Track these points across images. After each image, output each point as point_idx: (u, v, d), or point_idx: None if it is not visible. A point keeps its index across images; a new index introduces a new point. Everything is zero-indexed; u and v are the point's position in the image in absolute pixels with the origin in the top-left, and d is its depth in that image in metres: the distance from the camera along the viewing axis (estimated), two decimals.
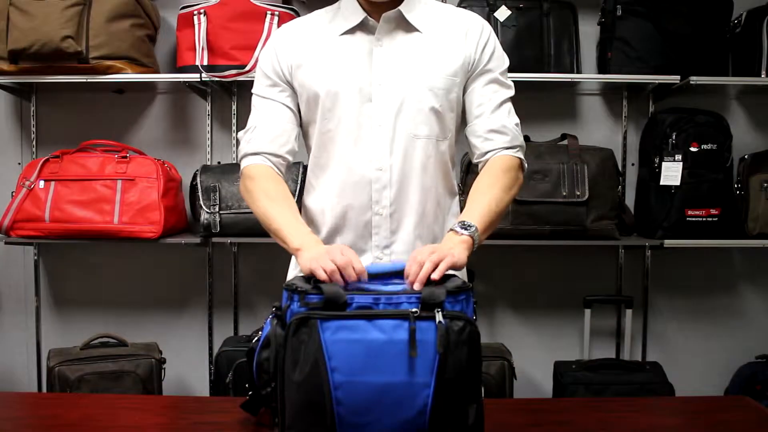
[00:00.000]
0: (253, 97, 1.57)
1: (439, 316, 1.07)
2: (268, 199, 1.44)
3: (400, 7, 1.47)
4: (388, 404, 1.07)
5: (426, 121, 1.47)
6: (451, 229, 1.35)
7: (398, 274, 1.16)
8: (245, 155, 1.53)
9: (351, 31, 1.49)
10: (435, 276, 1.15)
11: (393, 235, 1.49)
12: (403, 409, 1.07)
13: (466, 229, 1.33)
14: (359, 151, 1.47)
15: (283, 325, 1.11)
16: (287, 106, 1.53)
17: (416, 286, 1.14)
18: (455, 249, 1.26)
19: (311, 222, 1.56)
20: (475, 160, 1.53)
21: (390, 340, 1.07)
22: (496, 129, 1.48)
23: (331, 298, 1.08)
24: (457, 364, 1.07)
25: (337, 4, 1.56)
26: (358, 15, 1.48)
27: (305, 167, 2.52)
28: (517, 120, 1.52)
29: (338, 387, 1.06)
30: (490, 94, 1.50)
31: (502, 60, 1.54)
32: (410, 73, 1.47)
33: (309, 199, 1.58)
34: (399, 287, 1.14)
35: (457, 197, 1.63)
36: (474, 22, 1.53)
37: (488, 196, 1.42)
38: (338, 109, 1.47)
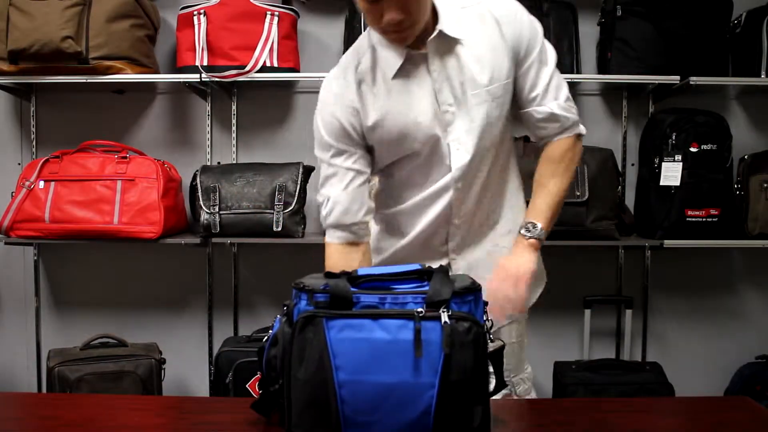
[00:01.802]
0: (320, 161, 1.57)
1: (444, 317, 1.07)
2: None
3: (438, 27, 1.46)
4: (392, 404, 1.07)
5: (495, 131, 1.55)
6: (520, 233, 1.52)
7: (417, 274, 1.15)
8: (327, 227, 1.59)
9: (401, 69, 1.49)
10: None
11: (468, 239, 1.62)
12: (408, 410, 1.07)
13: (531, 231, 1.51)
14: (442, 176, 1.54)
15: (291, 323, 1.11)
16: (358, 171, 1.55)
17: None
18: (523, 268, 1.52)
19: (390, 226, 1.66)
20: (533, 140, 1.65)
21: (395, 340, 1.07)
22: (548, 117, 1.56)
23: (337, 296, 1.09)
24: (462, 364, 1.07)
25: (365, 40, 1.53)
26: (400, 52, 1.47)
27: (305, 167, 2.54)
28: (566, 92, 1.57)
29: (343, 385, 1.07)
30: (535, 75, 1.54)
31: (537, 32, 1.55)
32: (471, 91, 1.50)
33: (390, 211, 1.65)
34: (408, 286, 1.13)
35: (519, 186, 1.76)
36: (502, 9, 1.53)
37: (549, 187, 1.58)
38: (424, 146, 1.52)
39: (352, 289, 1.10)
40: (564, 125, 1.56)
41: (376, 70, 1.50)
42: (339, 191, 1.54)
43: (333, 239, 1.57)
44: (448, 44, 1.48)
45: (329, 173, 1.55)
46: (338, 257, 1.56)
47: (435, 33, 1.46)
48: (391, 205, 1.64)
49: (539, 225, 1.51)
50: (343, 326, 1.07)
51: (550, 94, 1.55)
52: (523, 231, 1.52)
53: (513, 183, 1.69)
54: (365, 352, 1.07)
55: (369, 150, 1.56)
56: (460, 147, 1.51)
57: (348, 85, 1.51)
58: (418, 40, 1.46)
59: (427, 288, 1.10)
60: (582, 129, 1.60)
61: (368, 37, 1.52)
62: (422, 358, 1.06)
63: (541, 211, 1.54)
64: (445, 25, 1.46)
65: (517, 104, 1.58)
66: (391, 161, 1.57)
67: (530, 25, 1.53)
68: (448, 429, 1.08)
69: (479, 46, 1.49)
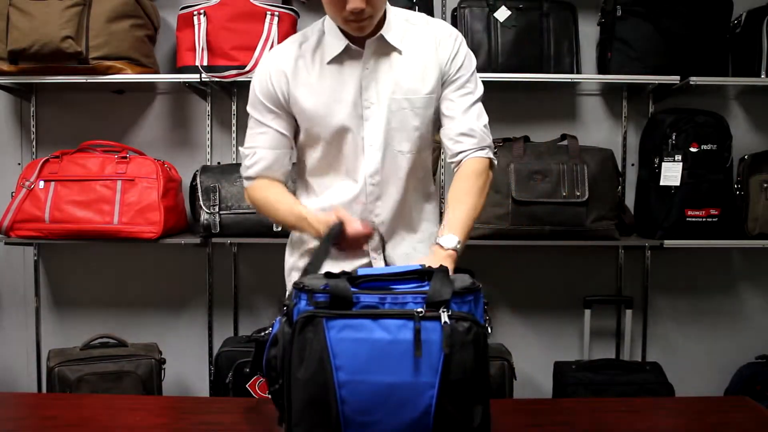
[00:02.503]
0: (250, 117, 1.67)
1: (444, 317, 1.07)
2: (275, 205, 1.64)
3: (381, 32, 1.57)
4: (392, 404, 1.07)
5: (409, 138, 1.61)
6: (437, 243, 1.46)
7: (417, 274, 1.15)
8: (248, 178, 1.68)
9: (338, 58, 1.58)
10: None
11: (387, 241, 1.63)
12: (408, 409, 1.07)
13: (449, 242, 1.45)
14: (356, 168, 1.61)
15: (291, 323, 1.11)
16: (283, 134, 1.64)
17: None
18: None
19: None
20: (448, 160, 1.64)
21: (395, 340, 1.07)
22: (465, 132, 1.60)
23: (337, 296, 1.09)
24: (462, 364, 1.07)
25: (321, 24, 1.63)
26: (342, 42, 1.57)
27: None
28: (486, 120, 1.64)
29: (343, 385, 1.07)
30: (459, 99, 1.62)
31: (470, 63, 1.65)
32: (394, 95, 1.59)
33: (308, 202, 1.69)
34: (408, 286, 1.14)
35: (436, 200, 1.80)
36: (443, 33, 1.64)
37: (466, 204, 1.54)
38: (341, 135, 1.60)
39: (352, 289, 1.10)
40: (481, 143, 1.60)
41: (316, 52, 1.60)
42: (265, 148, 1.64)
43: (253, 183, 1.67)
44: (385, 49, 1.59)
45: (258, 131, 1.64)
46: (261, 190, 1.65)
47: (376, 35, 1.57)
48: (311, 196, 1.69)
49: (457, 238, 1.46)
50: (343, 326, 1.08)
51: (472, 115, 1.61)
52: (440, 241, 1.46)
53: (431, 197, 1.77)
54: (365, 352, 1.07)
55: (294, 121, 1.65)
56: (373, 144, 1.59)
57: (288, 55, 1.62)
58: (362, 37, 1.56)
59: (427, 288, 1.10)
60: (495, 160, 1.64)
61: (321, 23, 1.62)
62: (422, 358, 1.06)
63: (458, 225, 1.49)
64: (387, 32, 1.58)
65: (441, 121, 1.64)
66: (309, 144, 1.65)
67: (466, 54, 1.64)
68: (448, 429, 1.08)
69: (412, 59, 1.59)
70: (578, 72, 2.64)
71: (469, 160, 1.59)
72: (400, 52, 1.59)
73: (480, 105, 1.64)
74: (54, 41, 2.37)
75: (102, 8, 2.44)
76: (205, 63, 2.51)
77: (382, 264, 1.61)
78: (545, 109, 2.78)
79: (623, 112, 2.79)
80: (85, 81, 2.48)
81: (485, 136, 1.61)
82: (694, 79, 2.46)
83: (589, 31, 2.71)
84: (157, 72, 2.64)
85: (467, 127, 1.60)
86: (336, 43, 1.57)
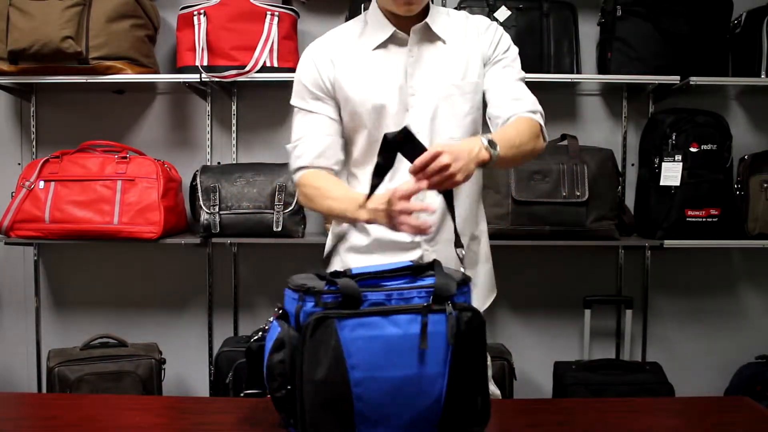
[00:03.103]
0: (295, 111, 1.65)
1: (449, 308, 1.09)
2: (326, 198, 1.56)
3: (426, 20, 1.58)
4: (406, 397, 1.10)
5: (459, 124, 1.59)
6: (480, 139, 1.40)
7: (409, 270, 1.16)
8: (297, 169, 1.63)
9: (383, 44, 1.59)
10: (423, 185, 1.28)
11: (439, 232, 1.60)
12: (420, 400, 1.10)
13: (491, 145, 1.38)
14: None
15: (298, 327, 1.11)
16: (332, 118, 1.62)
17: (422, 184, 1.27)
18: (469, 165, 1.33)
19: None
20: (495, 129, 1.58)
21: (405, 335, 1.09)
22: (517, 97, 1.59)
23: (347, 295, 1.09)
24: (467, 353, 1.11)
25: (362, 17, 1.65)
26: (388, 29, 1.58)
27: None
28: (534, 98, 1.62)
29: (358, 384, 1.08)
30: (506, 75, 1.62)
31: (513, 50, 1.66)
32: (442, 81, 1.58)
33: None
34: (402, 282, 1.15)
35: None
36: (484, 24, 1.66)
37: (514, 134, 1.49)
38: (383, 120, 1.57)
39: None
40: (534, 107, 1.58)
41: (361, 39, 1.61)
42: (314, 135, 1.61)
43: (304, 173, 1.61)
44: (430, 37, 1.59)
45: (305, 120, 1.62)
46: (314, 180, 1.59)
47: (422, 23, 1.58)
48: (356, 187, 1.64)
49: (498, 148, 1.39)
50: (355, 325, 1.09)
51: (521, 86, 1.63)
52: (483, 140, 1.38)
53: (480, 194, 1.73)
54: (378, 349, 1.09)
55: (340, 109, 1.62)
56: (419, 132, 1.49)
57: (332, 42, 1.63)
58: (407, 24, 1.57)
59: (425, 283, 1.12)
60: (545, 133, 1.60)
61: (364, 15, 1.64)
62: (432, 350, 1.09)
63: (503, 141, 1.42)
64: (432, 21, 1.59)
65: (488, 98, 1.63)
66: (353, 132, 1.62)
67: (509, 42, 1.66)
68: (455, 416, 1.11)
69: (456, 48, 1.60)
70: (578, 72, 2.64)
71: (520, 116, 1.55)
72: (444, 42, 1.59)
73: (525, 85, 1.64)
74: (54, 41, 2.37)
75: (102, 8, 2.44)
76: (205, 63, 2.51)
77: (433, 257, 1.50)
78: (545, 109, 2.75)
79: (623, 112, 2.79)
80: (85, 81, 2.48)
81: (536, 104, 1.60)
82: (694, 79, 2.46)
83: (589, 31, 2.71)
84: (157, 72, 2.64)
85: (519, 93, 1.59)
86: (382, 29, 1.58)
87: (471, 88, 1.60)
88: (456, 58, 1.60)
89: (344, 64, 1.59)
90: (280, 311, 1.19)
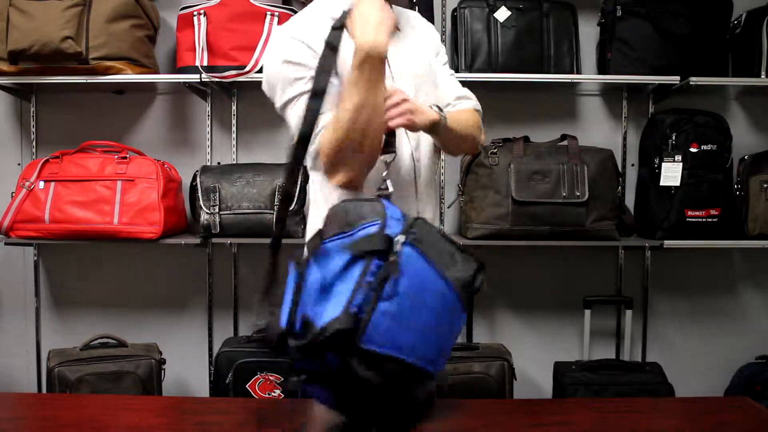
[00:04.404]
0: (291, 103, 1.48)
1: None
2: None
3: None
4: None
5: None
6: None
7: None
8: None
9: None
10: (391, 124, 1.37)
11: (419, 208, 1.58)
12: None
13: (441, 113, 1.48)
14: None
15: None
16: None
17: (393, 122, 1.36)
18: (425, 116, 1.44)
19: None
20: None
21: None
22: (462, 95, 1.66)
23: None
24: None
25: (324, 3, 1.54)
26: None
27: (306, 168, 2.53)
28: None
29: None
30: (448, 72, 1.70)
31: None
32: (416, 69, 1.58)
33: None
34: None
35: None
36: (426, 22, 1.72)
37: (462, 117, 1.58)
38: None
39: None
40: (477, 107, 1.67)
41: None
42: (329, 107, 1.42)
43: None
44: (399, 27, 1.57)
45: (309, 106, 1.37)
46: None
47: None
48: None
49: (448, 119, 1.49)
50: None
51: (462, 89, 1.69)
52: (434, 107, 1.48)
53: (435, 186, 1.72)
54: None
55: None
56: None
57: (305, 26, 1.50)
58: None
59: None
60: (483, 131, 1.69)
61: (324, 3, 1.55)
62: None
63: (452, 116, 1.52)
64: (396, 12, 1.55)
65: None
66: None
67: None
68: None
69: (419, 39, 1.64)
70: (578, 72, 2.64)
71: (464, 108, 1.64)
72: (405, 35, 1.60)
73: None
74: (54, 41, 2.37)
75: (102, 8, 2.44)
76: (205, 63, 2.51)
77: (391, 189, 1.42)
78: (545, 109, 2.79)
79: (623, 112, 2.79)
80: (85, 81, 2.48)
81: (478, 103, 1.67)
82: (694, 80, 2.46)
83: (589, 31, 2.71)
84: (157, 72, 2.64)
85: (461, 92, 1.66)
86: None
87: (435, 78, 1.64)
88: (421, 48, 1.63)
89: (321, 42, 1.41)
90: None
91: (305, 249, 1.23)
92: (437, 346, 1.18)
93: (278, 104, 1.51)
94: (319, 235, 1.21)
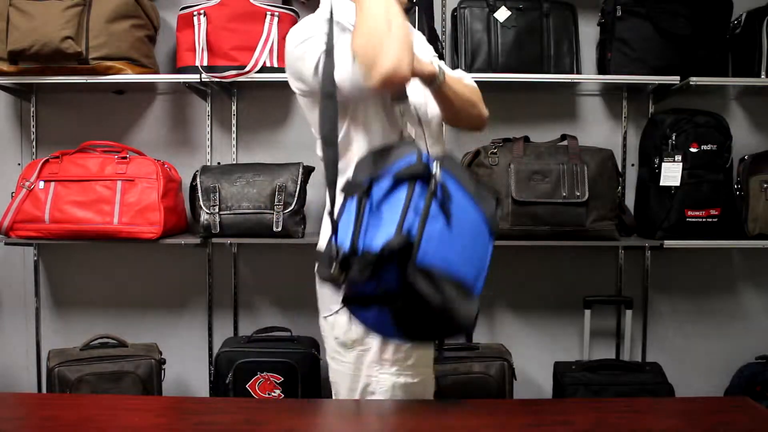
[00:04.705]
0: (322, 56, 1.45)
1: None
2: None
3: None
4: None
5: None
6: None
7: None
8: None
9: None
10: None
11: None
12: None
13: (440, 70, 1.51)
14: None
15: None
16: None
17: None
18: (423, 65, 1.47)
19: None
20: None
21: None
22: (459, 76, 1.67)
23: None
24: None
25: (325, 12, 1.52)
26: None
27: (305, 168, 2.54)
28: None
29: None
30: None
31: None
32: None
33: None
34: None
35: None
36: (424, 38, 1.80)
37: (462, 81, 1.61)
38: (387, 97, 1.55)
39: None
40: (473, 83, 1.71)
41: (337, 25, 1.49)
42: None
43: None
44: None
45: (324, 107, 1.42)
46: None
47: None
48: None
49: (445, 76, 1.52)
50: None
51: None
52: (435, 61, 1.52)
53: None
54: None
55: None
56: (417, 100, 1.56)
57: (319, 25, 1.50)
58: None
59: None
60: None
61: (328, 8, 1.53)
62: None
63: (451, 75, 1.56)
64: None
65: None
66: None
67: None
68: None
69: (419, 51, 1.57)
70: (578, 72, 2.64)
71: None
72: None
73: None
74: (54, 41, 2.37)
75: (102, 8, 2.44)
76: (205, 63, 2.51)
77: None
78: (545, 109, 2.79)
79: (623, 112, 2.79)
80: (85, 81, 2.48)
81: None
82: (694, 80, 2.46)
83: (589, 31, 2.71)
84: (157, 72, 2.64)
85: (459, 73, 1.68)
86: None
87: None
88: (422, 43, 1.70)
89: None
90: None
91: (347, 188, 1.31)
92: (476, 268, 1.31)
93: (308, 74, 1.49)
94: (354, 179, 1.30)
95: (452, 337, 1.35)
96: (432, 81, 1.51)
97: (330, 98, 1.40)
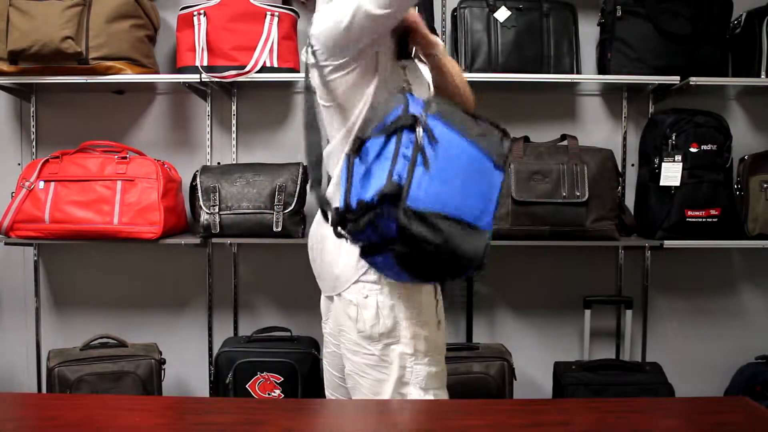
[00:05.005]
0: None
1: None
2: None
3: None
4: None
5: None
6: None
7: None
8: None
9: None
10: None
11: None
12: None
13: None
14: None
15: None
16: None
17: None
18: (428, 36, 1.59)
19: None
20: None
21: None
22: None
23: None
24: None
25: None
26: None
27: (305, 168, 2.54)
28: None
29: None
30: None
31: None
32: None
33: None
34: None
35: None
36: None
37: (456, 65, 1.70)
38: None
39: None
40: None
41: None
42: None
43: None
44: None
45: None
46: None
47: None
48: None
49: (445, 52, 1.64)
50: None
51: None
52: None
53: None
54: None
55: None
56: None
57: None
58: None
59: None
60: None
61: None
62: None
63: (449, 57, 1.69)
64: None
65: None
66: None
67: None
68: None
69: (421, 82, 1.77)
70: (578, 72, 2.64)
71: None
72: (415, 67, 1.74)
73: None
74: (54, 41, 2.37)
75: (102, 8, 2.44)
76: (205, 63, 2.51)
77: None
78: (545, 109, 2.78)
79: (623, 112, 2.79)
80: (85, 81, 2.48)
81: None
82: (694, 80, 2.46)
83: (589, 31, 2.71)
84: (157, 72, 2.64)
85: None
86: None
87: None
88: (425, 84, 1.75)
89: None
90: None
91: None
92: (479, 202, 1.37)
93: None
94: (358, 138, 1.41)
95: (464, 274, 1.42)
96: (432, 48, 1.59)
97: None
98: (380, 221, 1.30)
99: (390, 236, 1.30)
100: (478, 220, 1.37)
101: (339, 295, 1.63)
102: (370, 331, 1.57)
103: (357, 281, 1.59)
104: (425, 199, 1.28)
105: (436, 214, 1.29)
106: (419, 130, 1.30)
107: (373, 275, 1.57)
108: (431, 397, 1.59)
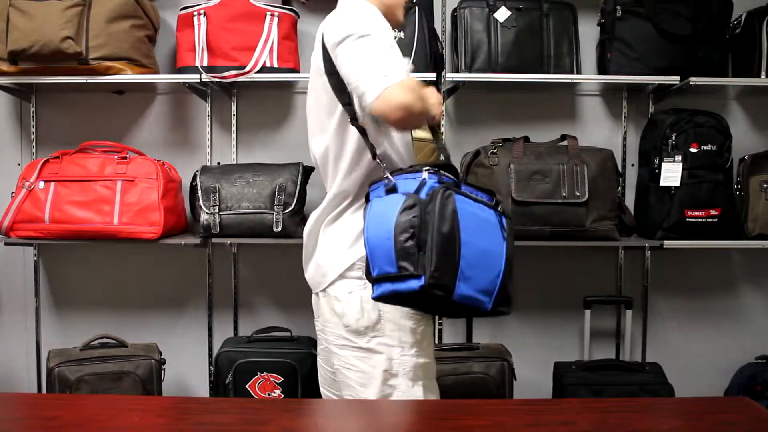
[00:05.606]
0: (371, 37, 1.53)
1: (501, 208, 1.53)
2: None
3: None
4: (485, 264, 1.44)
5: None
6: None
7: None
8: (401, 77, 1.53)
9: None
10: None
11: None
12: (491, 270, 1.45)
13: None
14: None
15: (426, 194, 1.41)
16: None
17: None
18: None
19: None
20: None
21: (487, 219, 1.47)
22: None
23: (455, 182, 1.48)
24: (510, 244, 1.49)
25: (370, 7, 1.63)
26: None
27: (305, 168, 2.54)
28: None
29: (464, 243, 1.39)
30: None
31: None
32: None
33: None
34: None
35: None
36: None
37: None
38: None
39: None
40: None
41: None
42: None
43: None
44: None
45: (394, 53, 1.53)
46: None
47: None
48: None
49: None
50: (463, 200, 1.43)
51: None
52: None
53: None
54: (475, 222, 1.43)
55: None
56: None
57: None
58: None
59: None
60: None
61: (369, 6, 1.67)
62: (498, 237, 1.48)
63: None
64: None
65: None
66: None
67: None
68: (503, 290, 1.48)
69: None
70: (578, 72, 2.64)
71: None
72: None
73: None
74: (54, 41, 2.37)
75: (102, 8, 2.44)
76: (205, 63, 2.51)
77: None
78: (545, 109, 2.79)
79: (623, 112, 2.80)
80: (85, 81, 2.48)
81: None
82: (694, 80, 2.46)
83: (589, 32, 2.71)
84: (157, 72, 2.64)
85: None
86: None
87: None
88: None
89: None
90: (391, 184, 1.46)
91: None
92: (491, 270, 1.47)
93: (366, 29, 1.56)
94: None
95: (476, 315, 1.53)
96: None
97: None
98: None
99: (411, 291, 1.40)
100: (489, 295, 1.48)
101: (324, 291, 1.68)
102: (356, 325, 1.62)
103: (341, 277, 1.64)
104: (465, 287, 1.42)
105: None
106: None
107: (357, 272, 1.61)
108: (420, 389, 1.63)
